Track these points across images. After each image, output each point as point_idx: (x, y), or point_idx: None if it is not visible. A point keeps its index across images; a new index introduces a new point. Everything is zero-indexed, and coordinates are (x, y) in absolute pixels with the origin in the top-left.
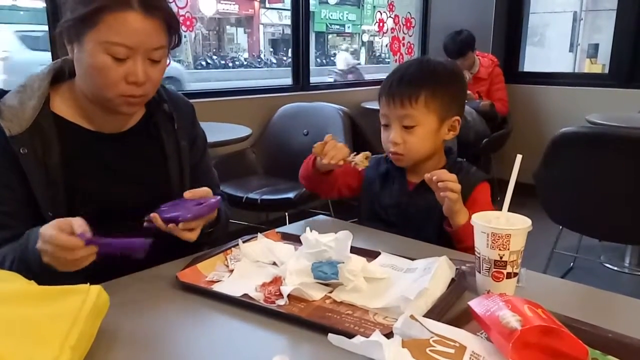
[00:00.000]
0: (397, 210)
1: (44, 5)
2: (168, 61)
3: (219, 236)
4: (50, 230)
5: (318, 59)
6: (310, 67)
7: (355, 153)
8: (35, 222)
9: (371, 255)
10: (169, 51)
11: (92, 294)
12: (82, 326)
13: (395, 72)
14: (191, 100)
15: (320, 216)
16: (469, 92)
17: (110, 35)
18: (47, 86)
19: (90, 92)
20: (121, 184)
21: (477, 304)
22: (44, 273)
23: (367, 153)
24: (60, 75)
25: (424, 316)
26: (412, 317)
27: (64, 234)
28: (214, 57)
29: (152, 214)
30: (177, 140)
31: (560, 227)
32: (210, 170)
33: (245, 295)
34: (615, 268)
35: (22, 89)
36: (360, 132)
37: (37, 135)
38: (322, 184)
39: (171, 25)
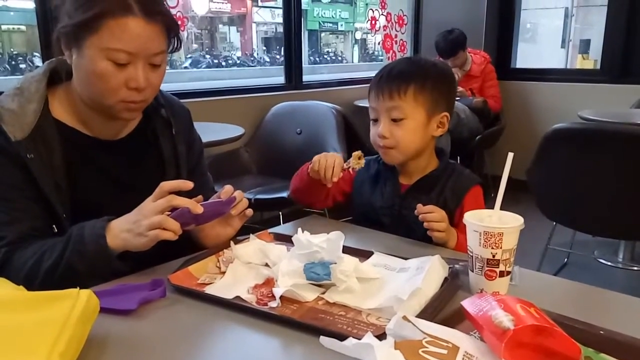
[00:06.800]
0: (389, 212)
1: (34, 6)
2: None
3: None
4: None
5: (311, 57)
6: (303, 66)
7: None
8: (47, 219)
9: (364, 255)
10: (168, 55)
11: (81, 299)
12: (71, 332)
13: (385, 67)
14: (184, 100)
15: (314, 215)
16: (462, 89)
17: (112, 41)
18: (45, 88)
19: (89, 98)
20: (119, 191)
21: (469, 304)
22: (99, 259)
23: (358, 152)
24: (56, 77)
25: (416, 316)
26: (404, 318)
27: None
28: (207, 56)
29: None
30: (174, 145)
31: (554, 223)
32: (205, 174)
33: (238, 297)
34: (609, 263)
35: (18, 91)
36: (353, 130)
37: (40, 140)
38: (318, 192)
39: (171, 29)
